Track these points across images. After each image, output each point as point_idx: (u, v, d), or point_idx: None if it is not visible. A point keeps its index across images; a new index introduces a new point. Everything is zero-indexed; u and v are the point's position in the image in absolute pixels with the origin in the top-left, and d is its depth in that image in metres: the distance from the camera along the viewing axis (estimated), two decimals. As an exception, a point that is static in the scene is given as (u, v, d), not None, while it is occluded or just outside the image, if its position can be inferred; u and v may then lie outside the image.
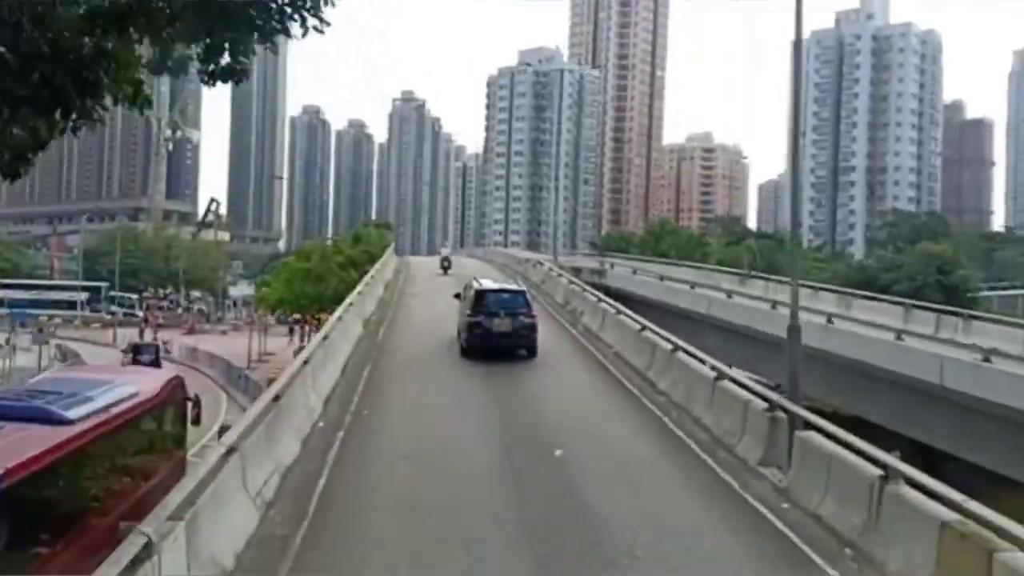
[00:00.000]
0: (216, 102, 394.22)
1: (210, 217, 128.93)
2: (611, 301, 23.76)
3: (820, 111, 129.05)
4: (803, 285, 35.67)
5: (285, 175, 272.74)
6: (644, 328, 19.14)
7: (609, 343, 21.07)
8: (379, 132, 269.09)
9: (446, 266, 39.55)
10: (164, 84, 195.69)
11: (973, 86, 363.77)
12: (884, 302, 32.46)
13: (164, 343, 53.12)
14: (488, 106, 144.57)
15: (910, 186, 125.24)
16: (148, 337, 58.25)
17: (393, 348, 20.79)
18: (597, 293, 25.70)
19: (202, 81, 7.87)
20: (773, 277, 38.59)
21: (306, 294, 43.67)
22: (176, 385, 12.69)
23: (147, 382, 11.99)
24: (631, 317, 20.69)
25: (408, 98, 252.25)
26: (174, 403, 12.42)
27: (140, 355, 44.21)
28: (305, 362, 14.33)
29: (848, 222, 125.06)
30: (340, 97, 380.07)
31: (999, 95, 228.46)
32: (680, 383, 15.77)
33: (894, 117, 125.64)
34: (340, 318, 19.48)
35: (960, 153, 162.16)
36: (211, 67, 7.79)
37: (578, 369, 19.16)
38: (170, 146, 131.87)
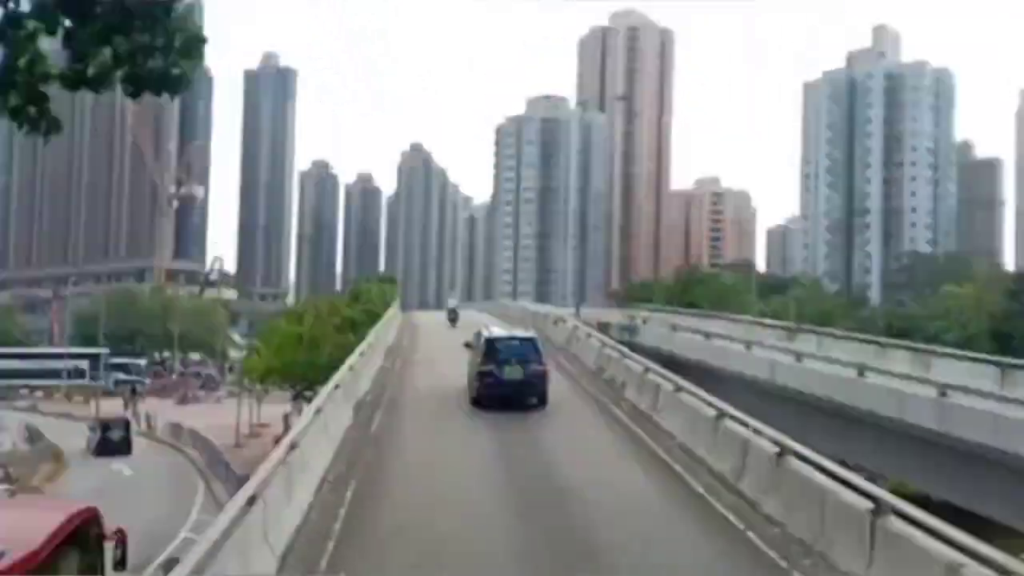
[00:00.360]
0: (226, 159, 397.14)
1: (213, 275, 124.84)
2: (661, 370, 18.87)
3: (833, 151, 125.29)
4: (867, 340, 30.79)
5: (294, 231, 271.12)
6: (722, 415, 14.28)
7: (670, 432, 16.02)
8: (387, 184, 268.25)
9: (453, 318, 38.78)
10: (171, 140, 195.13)
11: (980, 126, 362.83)
12: (971, 360, 27.01)
13: (148, 417, 48.21)
14: (496, 154, 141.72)
15: (927, 228, 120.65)
16: (142, 408, 53.38)
17: (392, 445, 15.81)
18: (642, 359, 20.71)
19: (126, 93, 6.52)
20: (823, 330, 33.65)
21: (297, 362, 38.53)
22: (83, 522, 7.84)
23: (31, 527, 7.16)
24: (698, 396, 15.77)
25: (416, 149, 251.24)
26: (79, 550, 7.58)
27: (108, 433, 39.46)
28: (251, 499, 9.30)
29: (864, 266, 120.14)
30: (348, 150, 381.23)
31: (1007, 135, 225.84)
32: (799, 508, 10.62)
33: (909, 157, 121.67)
34: (319, 410, 14.51)
35: (970, 194, 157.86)
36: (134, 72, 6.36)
37: (637, 477, 13.73)
38: (175, 204, 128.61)
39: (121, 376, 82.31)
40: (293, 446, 11.77)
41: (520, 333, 22.27)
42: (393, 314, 37.82)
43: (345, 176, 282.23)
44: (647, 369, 19.36)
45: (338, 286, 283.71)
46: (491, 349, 18.71)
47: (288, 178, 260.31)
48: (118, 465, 36.95)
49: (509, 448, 15.63)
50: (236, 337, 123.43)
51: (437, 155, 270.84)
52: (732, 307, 48.08)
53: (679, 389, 16.84)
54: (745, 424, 13.29)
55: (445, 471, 13.91)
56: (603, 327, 31.58)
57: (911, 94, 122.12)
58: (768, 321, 35.83)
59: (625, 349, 22.54)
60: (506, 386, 18.15)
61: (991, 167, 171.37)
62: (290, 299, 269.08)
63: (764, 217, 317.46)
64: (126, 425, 41.82)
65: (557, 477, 13.34)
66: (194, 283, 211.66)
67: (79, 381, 75.10)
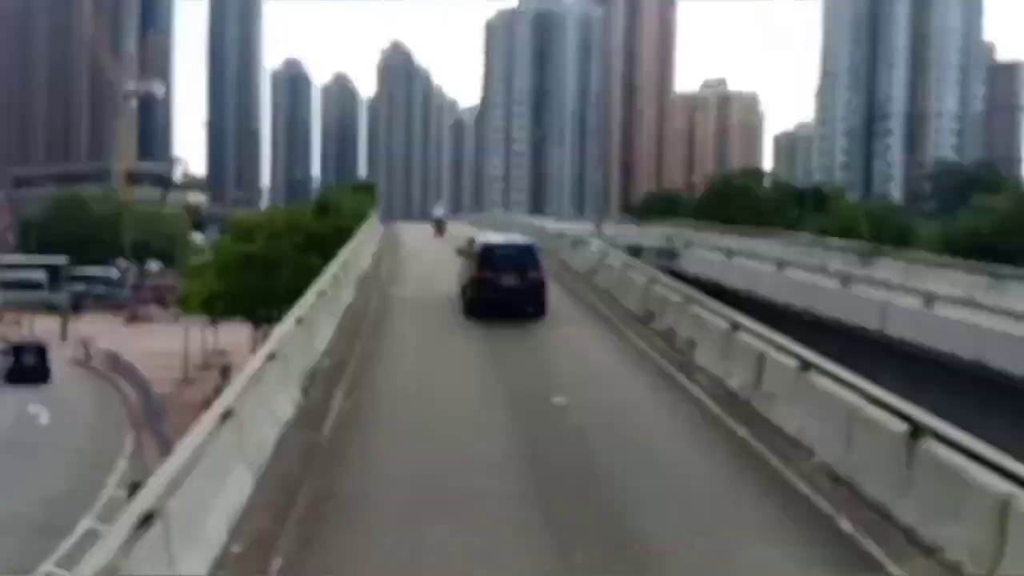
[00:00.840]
0: (191, 55, 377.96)
1: (176, 178, 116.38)
2: (748, 321, 12.38)
3: (855, 51, 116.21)
4: (972, 269, 24.05)
5: (267, 133, 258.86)
6: (919, 430, 7.64)
7: (795, 437, 9.43)
8: (366, 86, 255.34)
9: (441, 228, 36.46)
10: (130, 35, 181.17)
11: (1001, 27, 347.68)
12: None
13: (84, 343, 41.80)
14: (486, 52, 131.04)
15: (952, 133, 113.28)
16: (78, 329, 46.95)
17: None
18: (718, 305, 13.98)
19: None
20: (912, 255, 27.32)
21: (247, 289, 31.48)
22: None
23: None
24: (840, 378, 8.77)
25: (396, 49, 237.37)
26: None
27: (21, 357, 33.42)
28: None
29: (885, 174, 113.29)
30: (324, 49, 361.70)
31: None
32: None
33: (936, 57, 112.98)
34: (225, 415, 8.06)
35: (991, 98, 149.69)
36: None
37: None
38: (134, 102, 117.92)
39: (82, 289, 75.52)
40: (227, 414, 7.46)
41: (517, 240, 20.96)
42: (370, 230, 31.28)
43: (320, 76, 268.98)
44: (736, 326, 12.76)
45: (315, 187, 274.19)
46: (487, 255, 17.72)
47: (258, 77, 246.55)
48: (35, 407, 30.92)
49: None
50: (202, 245, 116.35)
51: (420, 54, 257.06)
52: (774, 224, 41.36)
53: (807, 366, 10.41)
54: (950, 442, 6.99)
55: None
56: (634, 252, 24.97)
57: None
58: (835, 242, 29.48)
59: (688, 288, 16.01)
60: (503, 293, 17.18)
61: (1010, 71, 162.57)
62: (263, 205, 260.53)
63: (772, 123, 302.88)
64: (40, 350, 35.75)
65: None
66: (161, 186, 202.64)
67: (36, 293, 68.41)
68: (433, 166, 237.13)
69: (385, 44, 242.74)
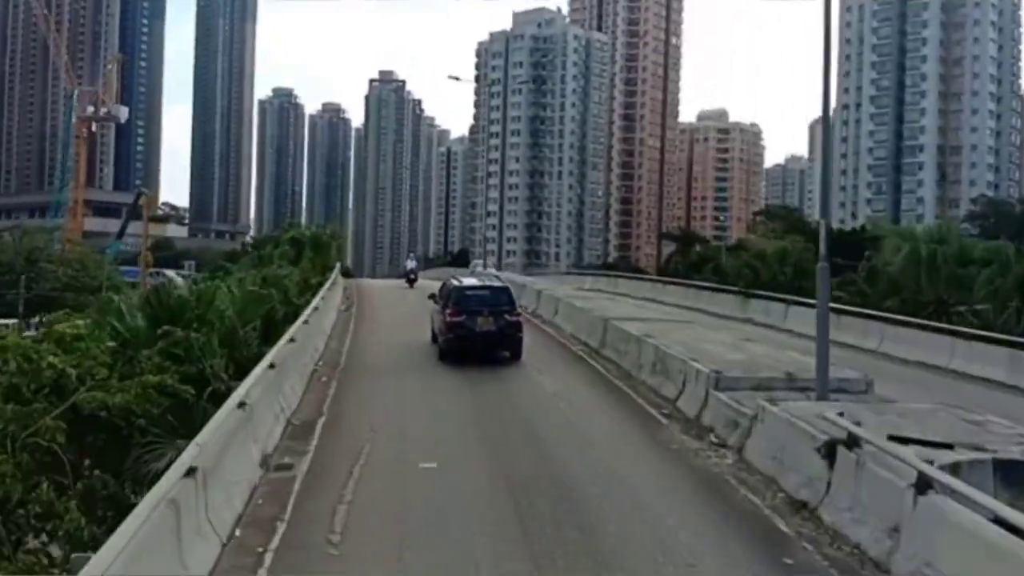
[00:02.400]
0: (177, 82, 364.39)
1: (152, 209, 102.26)
2: None
3: (880, 79, 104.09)
4: None
5: (254, 164, 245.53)
6: None
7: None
8: (356, 116, 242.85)
9: (412, 279, 36.91)
10: (84, 53, 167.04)
11: None
12: None
13: None
14: (478, 78, 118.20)
15: (989, 168, 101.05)
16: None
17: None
18: None
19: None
20: None
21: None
22: None
23: None
24: None
25: (387, 79, 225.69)
26: None
27: None
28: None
29: (915, 212, 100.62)
30: (314, 78, 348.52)
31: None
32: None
33: (969, 86, 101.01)
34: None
35: None
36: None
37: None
38: (93, 126, 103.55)
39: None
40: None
41: (492, 282, 19.72)
42: (328, 298, 20.46)
43: (310, 106, 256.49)
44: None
45: (304, 220, 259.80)
46: (461, 298, 16.88)
47: (247, 106, 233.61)
48: None
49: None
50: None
51: (411, 86, 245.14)
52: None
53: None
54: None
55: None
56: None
57: (973, 10, 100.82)
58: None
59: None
60: (478, 337, 16.30)
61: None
62: (250, 238, 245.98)
63: (772, 153, 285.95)
64: None
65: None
66: (138, 219, 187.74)
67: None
68: (421, 197, 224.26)
69: (375, 73, 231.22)
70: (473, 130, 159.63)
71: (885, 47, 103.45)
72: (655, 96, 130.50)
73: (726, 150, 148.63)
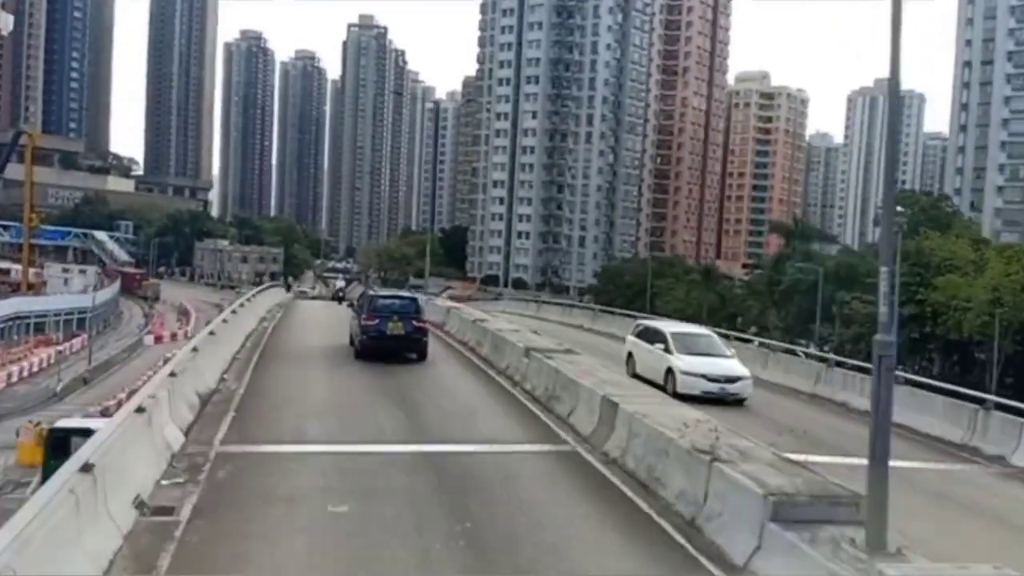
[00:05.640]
0: (131, 19, 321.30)
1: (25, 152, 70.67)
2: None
3: (1021, 28, 75.31)
4: None
5: (217, 114, 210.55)
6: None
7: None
8: (332, 69, 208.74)
9: (340, 296, 38.56)
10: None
11: None
12: None
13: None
14: (484, 8, 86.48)
15: None
16: None
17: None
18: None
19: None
20: None
21: None
22: None
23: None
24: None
25: (367, 23, 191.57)
26: None
27: None
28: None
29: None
30: (287, 22, 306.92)
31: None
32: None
33: None
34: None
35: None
36: None
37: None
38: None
39: None
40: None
41: (403, 293, 24.05)
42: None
43: (282, 53, 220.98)
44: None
45: (274, 179, 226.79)
46: (374, 306, 18.19)
47: (208, 49, 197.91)
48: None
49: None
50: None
51: (393, 34, 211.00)
52: None
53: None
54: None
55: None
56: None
57: None
58: None
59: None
60: (388, 340, 17.43)
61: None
62: (214, 195, 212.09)
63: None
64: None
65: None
66: (75, 167, 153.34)
67: None
68: (404, 163, 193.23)
69: (354, 17, 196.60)
70: (468, 82, 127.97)
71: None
72: (702, 45, 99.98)
73: (769, 119, 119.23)
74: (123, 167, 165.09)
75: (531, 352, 14.75)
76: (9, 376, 39.23)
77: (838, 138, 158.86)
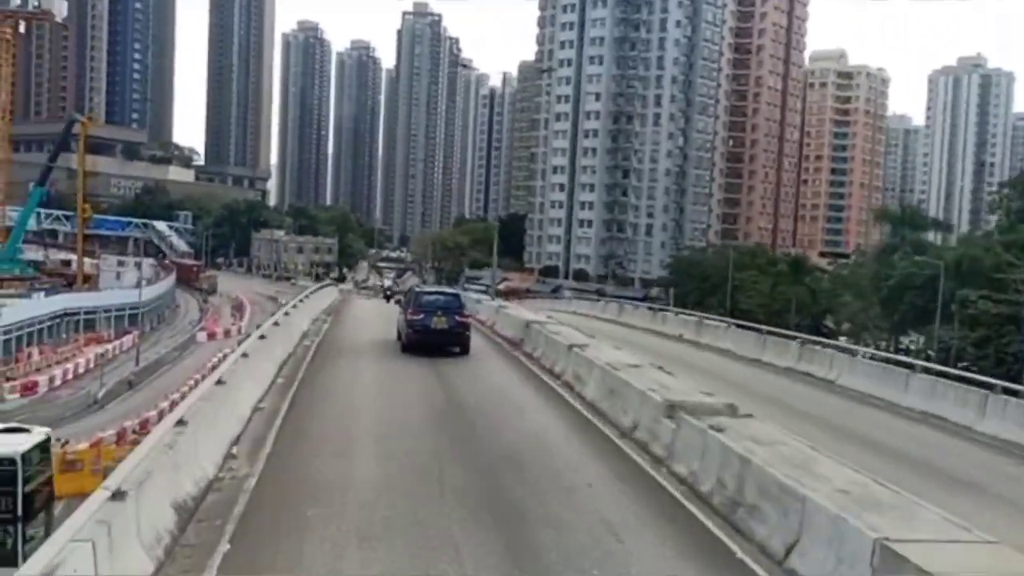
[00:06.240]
0: (191, 12, 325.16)
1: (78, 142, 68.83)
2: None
3: None
4: None
5: (276, 104, 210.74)
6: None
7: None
8: (387, 58, 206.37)
9: (389, 294, 38.91)
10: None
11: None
12: None
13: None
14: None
15: None
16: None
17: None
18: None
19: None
20: None
21: None
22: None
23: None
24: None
25: (421, 11, 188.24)
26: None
27: None
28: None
29: None
30: (342, 12, 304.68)
31: None
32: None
33: None
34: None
35: None
36: None
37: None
38: (21, 25, 69.00)
39: None
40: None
41: (447, 290, 25.09)
42: None
43: (338, 42, 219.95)
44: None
45: (329, 169, 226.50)
46: (420, 302, 18.90)
47: (267, 40, 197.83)
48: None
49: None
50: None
51: (447, 21, 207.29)
52: None
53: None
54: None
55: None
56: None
57: None
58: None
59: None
60: (433, 334, 18.17)
61: None
62: (272, 185, 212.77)
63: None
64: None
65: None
66: (138, 158, 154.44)
67: None
68: (458, 150, 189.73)
69: (408, 5, 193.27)
70: (525, 67, 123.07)
71: None
72: (778, 21, 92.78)
73: (847, 99, 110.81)
74: (184, 157, 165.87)
75: (678, 413, 9.57)
76: (52, 379, 36.51)
77: (916, 120, 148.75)
